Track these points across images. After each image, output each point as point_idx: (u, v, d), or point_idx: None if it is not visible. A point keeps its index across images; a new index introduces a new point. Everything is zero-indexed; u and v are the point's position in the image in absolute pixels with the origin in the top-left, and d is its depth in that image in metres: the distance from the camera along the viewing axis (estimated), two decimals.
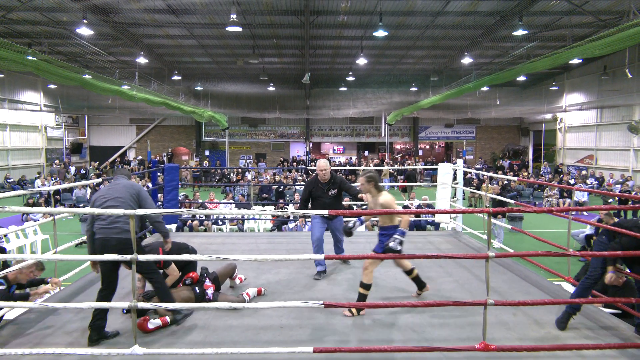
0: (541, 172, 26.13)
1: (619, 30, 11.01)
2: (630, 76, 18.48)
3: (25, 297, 4.86)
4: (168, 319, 4.29)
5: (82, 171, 26.03)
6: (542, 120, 29.16)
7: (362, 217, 5.05)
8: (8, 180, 22.03)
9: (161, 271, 4.72)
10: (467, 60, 20.06)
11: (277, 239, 8.52)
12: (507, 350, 3.55)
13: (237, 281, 5.38)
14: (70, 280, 5.76)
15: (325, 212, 3.94)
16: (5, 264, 7.33)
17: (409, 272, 5.04)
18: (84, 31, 14.91)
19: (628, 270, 4.65)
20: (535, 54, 19.19)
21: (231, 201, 14.18)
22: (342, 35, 19.43)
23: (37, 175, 23.59)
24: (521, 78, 22.78)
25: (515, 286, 5.49)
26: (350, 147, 33.82)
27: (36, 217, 13.99)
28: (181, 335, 4.17)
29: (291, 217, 11.88)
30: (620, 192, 16.61)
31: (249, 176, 24.33)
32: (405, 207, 12.32)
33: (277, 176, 22.37)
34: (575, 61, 19.57)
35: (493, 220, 7.20)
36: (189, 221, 11.76)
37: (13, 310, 4.69)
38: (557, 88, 26.41)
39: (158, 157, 29.54)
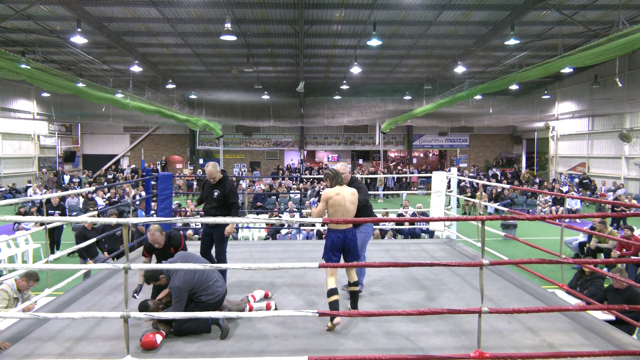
0: (535, 181, 26.27)
1: (609, 40, 11.17)
2: (620, 85, 18.71)
3: None
4: (164, 332, 4.25)
5: (75, 179, 25.86)
6: (535, 129, 29.41)
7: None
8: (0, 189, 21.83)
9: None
10: (460, 69, 20.24)
11: (272, 248, 8.49)
12: (502, 358, 3.54)
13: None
14: (62, 290, 5.69)
15: (319, 220, 3.93)
16: None
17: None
18: (78, 40, 14.88)
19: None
20: (527, 63, 19.40)
21: None
22: (336, 45, 19.56)
23: (28, 184, 23.40)
24: (514, 87, 22.98)
25: (510, 294, 5.49)
26: (344, 155, 33.90)
27: (28, 226, 13.85)
28: (174, 345, 4.13)
29: (285, 225, 11.86)
30: (613, 200, 16.74)
31: (243, 184, 24.29)
32: (399, 215, 12.34)
33: (277, 183, 22.38)
34: (567, 70, 19.78)
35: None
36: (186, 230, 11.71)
37: (4, 320, 4.63)
38: (549, 97, 26.67)
39: (152, 166, 29.43)
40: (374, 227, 10.48)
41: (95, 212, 9.72)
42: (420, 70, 24.55)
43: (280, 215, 14.35)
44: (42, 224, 9.44)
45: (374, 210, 5.84)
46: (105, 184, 25.13)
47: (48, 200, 11.68)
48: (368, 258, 7.19)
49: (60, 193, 8.40)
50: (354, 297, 4.70)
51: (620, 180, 21.41)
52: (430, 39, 18.55)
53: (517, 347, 4.04)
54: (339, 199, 4.58)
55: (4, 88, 22.76)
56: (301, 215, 13.26)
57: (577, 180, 23.46)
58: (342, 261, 4.71)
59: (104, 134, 31.89)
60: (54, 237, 10.97)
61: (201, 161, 32.40)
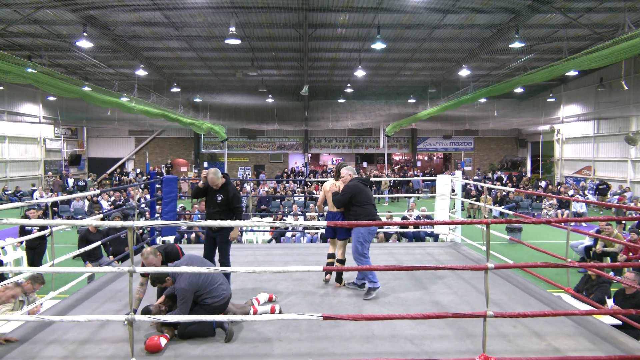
0: (540, 184, 26.12)
1: (614, 43, 11.11)
2: (626, 88, 18.62)
3: None
4: (168, 335, 4.25)
5: (81, 183, 25.98)
6: (540, 132, 29.29)
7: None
8: (6, 192, 21.96)
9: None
10: (464, 72, 20.21)
11: (276, 251, 8.49)
12: None
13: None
14: (67, 293, 5.71)
15: (323, 223, 3.93)
16: (2, 277, 7.29)
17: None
18: (84, 44, 15.01)
19: None
20: (532, 66, 19.33)
21: None
22: (340, 48, 19.59)
23: (33, 187, 23.53)
24: (518, 90, 22.93)
25: (515, 298, 5.46)
26: (348, 159, 33.89)
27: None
28: (179, 348, 4.13)
29: (289, 228, 11.86)
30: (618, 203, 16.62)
31: (247, 187, 24.32)
32: (403, 218, 12.31)
33: (282, 186, 22.39)
34: (572, 73, 19.73)
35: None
36: (186, 234, 11.73)
37: (8, 323, 4.64)
38: (554, 100, 26.58)
39: (156, 169, 29.53)
40: (378, 230, 10.44)
41: (100, 215, 9.76)
42: (424, 73, 24.54)
43: (284, 218, 14.35)
44: (23, 231, 9.45)
45: (377, 215, 5.96)
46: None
47: (25, 216, 10.76)
48: (372, 261, 7.18)
49: (66, 196, 8.45)
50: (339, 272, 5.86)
51: (626, 184, 21.28)
52: (435, 42, 18.55)
53: (522, 352, 4.01)
54: (331, 188, 5.90)
55: (10, 92, 22.94)
56: (305, 219, 13.26)
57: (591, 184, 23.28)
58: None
59: (109, 137, 32.05)
60: (37, 252, 9.43)
61: (205, 164, 32.49)
